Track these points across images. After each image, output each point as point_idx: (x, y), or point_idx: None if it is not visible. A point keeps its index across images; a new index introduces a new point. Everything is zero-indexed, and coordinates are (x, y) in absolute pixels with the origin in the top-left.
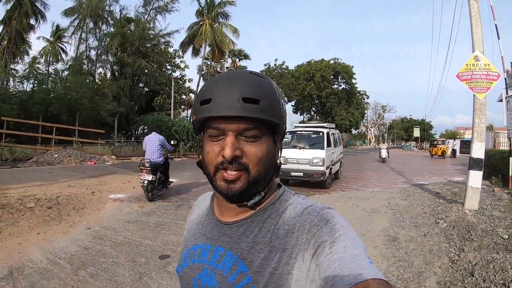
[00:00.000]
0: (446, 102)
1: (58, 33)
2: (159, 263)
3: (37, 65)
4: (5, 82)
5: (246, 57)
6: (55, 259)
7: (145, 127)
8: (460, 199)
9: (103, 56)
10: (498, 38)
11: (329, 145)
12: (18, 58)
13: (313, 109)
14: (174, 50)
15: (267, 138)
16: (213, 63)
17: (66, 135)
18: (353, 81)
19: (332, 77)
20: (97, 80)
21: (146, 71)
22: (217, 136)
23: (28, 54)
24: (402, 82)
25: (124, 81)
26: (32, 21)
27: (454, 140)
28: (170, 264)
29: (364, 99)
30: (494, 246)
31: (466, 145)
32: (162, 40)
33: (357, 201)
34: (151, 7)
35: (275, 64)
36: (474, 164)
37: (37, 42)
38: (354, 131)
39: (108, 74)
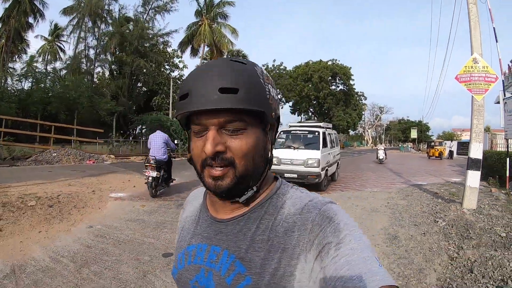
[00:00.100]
0: (443, 104)
1: (56, 32)
2: (162, 261)
3: (35, 64)
4: (3, 81)
5: (245, 57)
6: (58, 258)
7: (143, 127)
8: (458, 199)
9: (101, 55)
10: (496, 41)
11: (325, 145)
12: (16, 56)
13: (311, 110)
14: (172, 50)
15: (254, 129)
16: None
17: (64, 134)
18: (351, 82)
19: (330, 78)
20: (95, 80)
21: (145, 70)
22: (200, 132)
23: (26, 53)
24: (399, 84)
25: (123, 80)
26: (31, 20)
27: (451, 142)
28: None
29: (361, 100)
30: (492, 244)
31: (463, 147)
32: (161, 39)
33: (356, 201)
34: (150, 6)
35: (273, 65)
36: (472, 164)
37: (35, 40)
38: (351, 132)
39: (107, 74)
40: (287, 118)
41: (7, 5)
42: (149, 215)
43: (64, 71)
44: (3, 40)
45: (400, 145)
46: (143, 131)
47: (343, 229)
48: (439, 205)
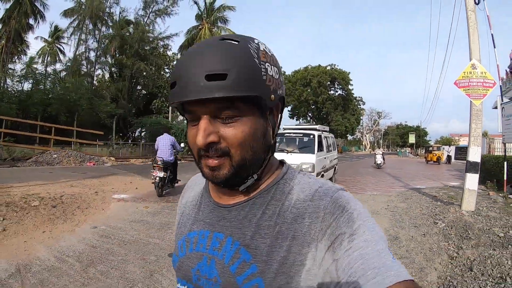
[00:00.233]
0: (441, 110)
1: (56, 34)
2: (168, 261)
3: (34, 65)
4: (2, 81)
5: None
6: (63, 257)
7: (143, 130)
8: (457, 202)
9: (102, 58)
10: (494, 47)
11: (320, 149)
12: (16, 57)
13: (310, 114)
14: (173, 53)
15: (250, 116)
16: None
17: (64, 136)
18: (350, 87)
19: (328, 83)
20: (95, 82)
21: (145, 73)
22: (193, 120)
23: (26, 54)
24: (397, 89)
25: (123, 83)
26: (31, 21)
27: (449, 147)
28: None
29: (360, 105)
30: (490, 243)
31: (461, 152)
32: (161, 43)
33: None
34: (150, 10)
35: None
36: (471, 167)
37: (35, 42)
38: (349, 137)
39: (107, 76)
40: (286, 122)
41: (8, 6)
42: (152, 217)
43: (64, 73)
44: (3, 41)
45: (398, 150)
46: (143, 134)
47: (357, 219)
48: (438, 208)
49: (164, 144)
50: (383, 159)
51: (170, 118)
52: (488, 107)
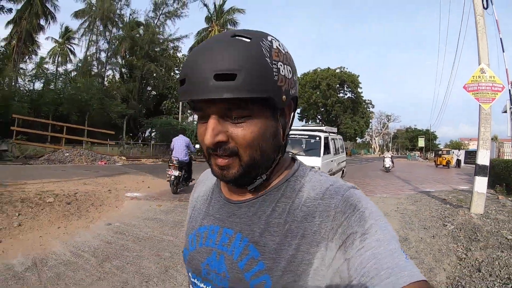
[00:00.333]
0: (450, 113)
1: (67, 35)
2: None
3: (45, 65)
4: (13, 81)
5: None
6: (79, 252)
7: (153, 130)
8: (466, 205)
9: (112, 59)
10: (503, 51)
11: (327, 151)
12: (27, 57)
13: (319, 117)
14: (183, 55)
15: (260, 116)
16: None
17: (75, 135)
18: (359, 90)
19: (338, 85)
20: (106, 82)
21: (155, 75)
22: (203, 118)
23: (36, 54)
24: (406, 92)
25: (133, 84)
26: (42, 22)
27: (458, 151)
28: None
29: (369, 108)
30: (499, 245)
31: (470, 156)
32: (171, 44)
33: None
34: (160, 12)
35: None
36: (480, 170)
37: (46, 42)
38: (359, 140)
39: (117, 77)
40: (294, 124)
41: (19, 6)
42: (166, 215)
43: (74, 73)
44: (14, 41)
45: (407, 154)
46: (153, 134)
47: (369, 218)
48: (447, 210)
49: (179, 144)
50: (392, 162)
51: (180, 119)
52: (497, 111)
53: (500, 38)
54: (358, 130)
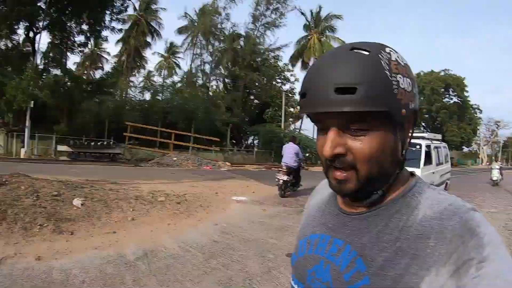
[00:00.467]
0: None
1: (172, 49)
2: (286, 260)
3: (152, 78)
4: (125, 93)
5: None
6: (187, 247)
7: (256, 138)
8: None
9: (216, 70)
10: None
11: (428, 162)
12: (136, 71)
13: (423, 124)
14: (284, 64)
15: (379, 130)
16: None
17: (182, 141)
18: (465, 94)
19: (442, 90)
20: (210, 93)
21: (257, 84)
22: (322, 130)
23: (144, 68)
24: None
25: (236, 93)
26: (148, 39)
27: None
28: None
29: (476, 114)
30: None
31: None
32: (272, 54)
33: None
34: (260, 23)
35: None
36: None
37: (153, 57)
38: (465, 149)
39: (221, 87)
40: None
41: (127, 26)
42: (270, 219)
43: (180, 84)
44: (124, 57)
45: None
46: (256, 141)
47: (487, 245)
48: None
49: (289, 151)
50: (501, 174)
51: (282, 127)
52: None
53: None
54: (465, 138)
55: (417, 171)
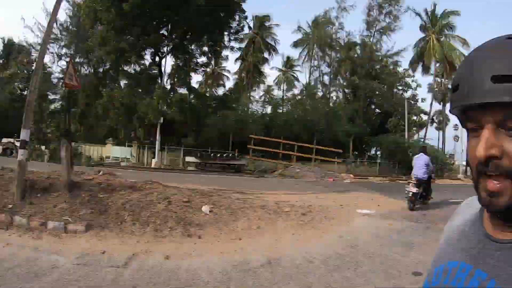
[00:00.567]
0: None
1: (289, 63)
2: (412, 279)
3: (272, 92)
4: (246, 107)
5: None
6: (310, 259)
7: (379, 148)
8: None
9: (335, 81)
10: None
11: None
12: (256, 86)
13: None
14: (404, 69)
15: None
16: (445, 80)
17: (305, 153)
18: None
19: None
20: (330, 104)
21: (377, 92)
22: (475, 130)
23: (264, 83)
24: None
25: (357, 103)
26: (265, 55)
27: None
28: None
29: None
30: None
31: None
32: (390, 60)
33: None
34: (374, 29)
35: None
36: None
37: (271, 72)
38: None
39: (341, 97)
40: None
41: (243, 44)
42: (396, 233)
43: (300, 97)
44: (243, 74)
45: None
46: (379, 152)
47: None
48: None
49: (419, 163)
50: None
51: (406, 136)
52: None
53: None
54: None
55: None
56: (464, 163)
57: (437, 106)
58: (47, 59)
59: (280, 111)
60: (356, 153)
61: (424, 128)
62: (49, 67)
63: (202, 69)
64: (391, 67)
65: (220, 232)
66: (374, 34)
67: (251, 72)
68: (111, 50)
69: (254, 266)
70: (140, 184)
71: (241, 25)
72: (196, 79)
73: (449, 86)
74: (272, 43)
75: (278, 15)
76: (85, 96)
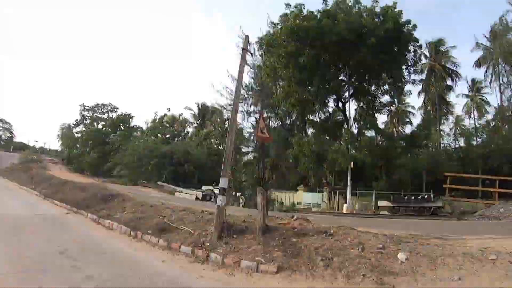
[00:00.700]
0: None
1: (475, 86)
2: None
3: (462, 123)
4: (437, 143)
5: None
6: None
7: None
8: None
9: None
10: None
11: None
12: (444, 118)
13: None
14: None
15: None
16: None
17: (508, 188)
18: None
19: None
20: None
21: None
22: None
23: (452, 114)
24: None
25: None
26: (448, 82)
27: None
28: None
29: None
30: None
31: None
32: None
33: None
34: None
35: None
36: None
37: (457, 100)
38: None
39: None
40: None
41: (424, 75)
42: None
43: (494, 123)
44: (428, 107)
45: None
46: None
47: None
48: None
49: None
50: None
51: None
52: None
53: None
54: None
55: None
56: None
57: None
58: (238, 117)
59: (474, 142)
60: None
61: None
62: (240, 124)
63: (386, 108)
64: None
65: (417, 282)
66: None
67: (437, 103)
68: (295, 102)
69: None
70: (333, 230)
71: (417, 55)
72: (381, 119)
73: None
74: (453, 67)
75: (450, 36)
76: (276, 147)
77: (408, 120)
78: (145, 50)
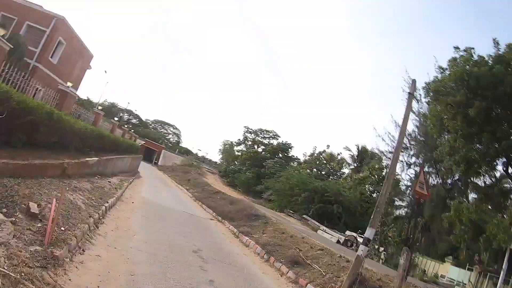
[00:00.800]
0: None
1: None
2: None
3: None
4: None
5: None
6: None
7: None
8: None
9: None
10: None
11: None
12: None
13: None
14: None
15: None
16: None
17: None
18: None
19: None
20: None
21: None
22: None
23: None
24: None
25: None
26: None
27: None
28: None
29: None
30: None
31: None
32: None
33: None
34: None
35: None
36: None
37: None
38: None
39: None
40: None
41: None
42: None
43: None
44: None
45: None
46: None
47: None
48: None
49: None
50: None
51: None
52: None
53: None
54: None
55: None
56: None
57: None
58: (397, 167)
59: None
60: None
61: None
62: (398, 174)
63: None
64: None
65: None
66: None
67: None
68: (459, 160)
69: None
70: None
71: None
72: None
73: None
74: None
75: None
76: (432, 207)
77: None
78: (313, 85)
